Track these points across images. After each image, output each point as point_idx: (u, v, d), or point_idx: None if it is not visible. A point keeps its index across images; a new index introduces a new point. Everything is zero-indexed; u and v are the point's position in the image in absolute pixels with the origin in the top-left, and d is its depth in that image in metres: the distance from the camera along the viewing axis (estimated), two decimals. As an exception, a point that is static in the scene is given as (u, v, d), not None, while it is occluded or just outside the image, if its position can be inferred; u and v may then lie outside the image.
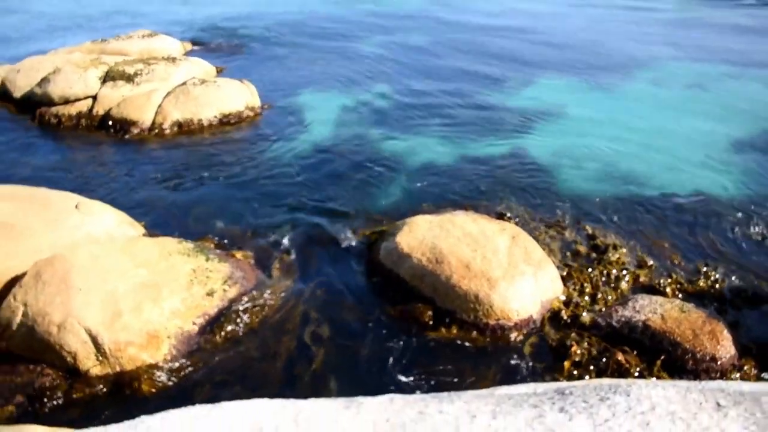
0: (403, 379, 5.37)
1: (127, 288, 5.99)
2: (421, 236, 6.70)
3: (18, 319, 5.72)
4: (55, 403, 5.20)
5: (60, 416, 5.02)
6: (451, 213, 7.41)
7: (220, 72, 14.53)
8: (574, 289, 6.40)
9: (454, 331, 5.93)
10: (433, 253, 6.43)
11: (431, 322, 6.04)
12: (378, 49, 16.66)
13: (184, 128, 11.26)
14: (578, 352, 5.56)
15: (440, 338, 5.87)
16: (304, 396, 2.67)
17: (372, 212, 8.10)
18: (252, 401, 2.73)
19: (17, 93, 12.75)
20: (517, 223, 7.42)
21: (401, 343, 5.80)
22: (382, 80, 13.76)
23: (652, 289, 6.43)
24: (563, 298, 6.30)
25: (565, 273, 6.63)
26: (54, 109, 12.09)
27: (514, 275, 6.13)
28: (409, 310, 6.18)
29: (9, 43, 19.30)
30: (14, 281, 6.17)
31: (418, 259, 6.46)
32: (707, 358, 5.36)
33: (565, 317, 6.04)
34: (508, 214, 7.78)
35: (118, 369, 5.51)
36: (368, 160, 9.62)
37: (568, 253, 7.04)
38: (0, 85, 13.13)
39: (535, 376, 5.41)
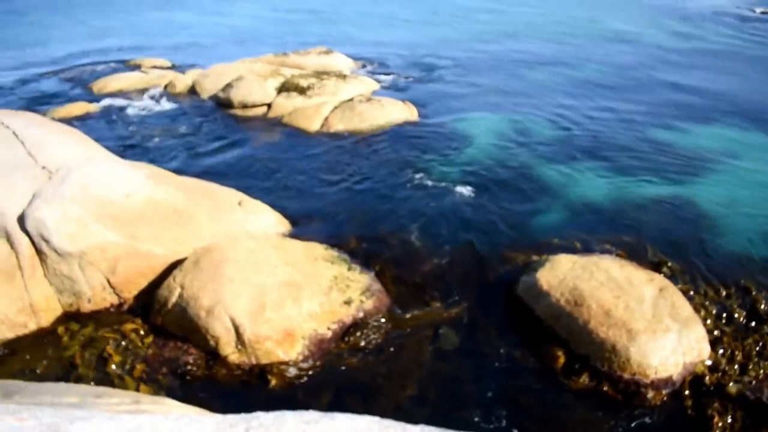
0: (520, 421, 5.22)
1: (273, 284, 6.36)
2: (563, 275, 6.50)
3: (174, 299, 6.26)
4: (192, 380, 5.62)
5: (194, 393, 5.42)
6: (597, 255, 7.12)
7: (382, 89, 15.03)
8: (723, 355, 5.89)
9: (585, 379, 5.69)
10: (573, 295, 6.22)
11: (562, 366, 5.82)
12: (544, 78, 16.42)
13: (345, 137, 11.79)
14: (720, 424, 5.12)
15: (569, 384, 5.66)
16: (415, 421, 2.68)
17: (517, 240, 7.94)
18: (362, 417, 2.79)
19: (204, 95, 14.01)
20: (668, 275, 6.96)
21: (527, 383, 5.66)
22: (545, 110, 13.52)
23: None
24: (709, 362, 5.82)
25: (714, 336, 6.12)
26: (232, 113, 13.15)
27: (656, 330, 5.77)
28: (541, 350, 6.01)
29: (203, 50, 21.25)
30: (177, 264, 6.76)
31: (557, 299, 6.28)
32: None
33: (708, 383, 5.58)
34: (659, 264, 7.30)
35: (253, 360, 5.84)
36: (519, 186, 9.46)
37: (722, 316, 6.49)
38: (190, 87, 14.49)
39: (666, 441, 5.05)
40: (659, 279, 6.49)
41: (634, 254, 7.52)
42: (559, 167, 10.20)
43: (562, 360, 5.89)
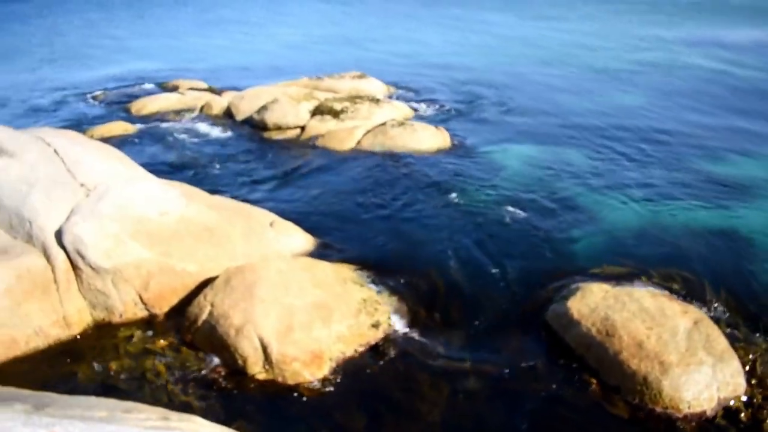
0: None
1: (302, 305, 6.38)
2: (594, 305, 6.41)
3: (204, 316, 6.32)
4: (219, 398, 5.63)
5: (220, 411, 5.43)
6: (630, 285, 7.00)
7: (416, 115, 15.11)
8: (760, 392, 5.71)
9: (616, 410, 5.56)
10: (604, 325, 6.12)
11: (592, 396, 5.71)
12: (583, 105, 16.34)
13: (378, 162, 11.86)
14: (756, 462, 4.96)
15: (599, 414, 5.53)
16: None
17: (548, 266, 7.85)
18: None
19: (239, 117, 14.25)
20: (704, 308, 6.79)
21: (557, 411, 5.56)
22: (583, 138, 13.41)
23: None
24: (745, 398, 5.65)
25: (750, 370, 5.93)
26: (266, 135, 13.34)
27: (690, 363, 5.64)
28: (571, 379, 5.91)
29: (239, 72, 21.66)
30: (208, 282, 6.84)
31: (587, 328, 6.19)
32: None
33: (744, 420, 5.42)
34: (695, 295, 7.13)
35: (280, 380, 5.85)
36: (553, 213, 9.36)
37: (760, 351, 6.30)
38: (226, 109, 14.75)
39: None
40: (694, 311, 6.35)
41: (669, 285, 7.39)
42: (595, 195, 10.11)
43: (592, 389, 5.78)
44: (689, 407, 5.44)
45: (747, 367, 5.95)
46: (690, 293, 7.18)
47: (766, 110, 15.99)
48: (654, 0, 46.37)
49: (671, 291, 7.13)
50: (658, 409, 5.45)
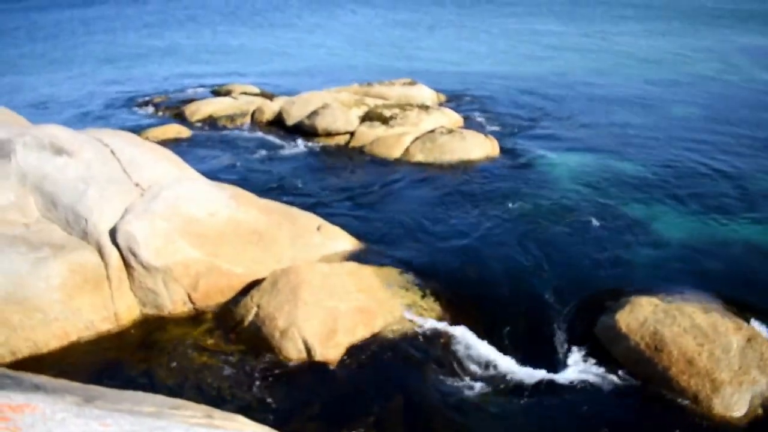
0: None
1: (346, 309, 6.39)
2: (643, 318, 6.24)
3: (250, 317, 6.39)
4: (263, 398, 5.66)
5: (264, 411, 5.45)
6: (681, 300, 6.77)
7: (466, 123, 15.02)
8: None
9: (664, 428, 5.38)
10: (653, 340, 5.96)
11: (638, 412, 5.55)
12: (637, 116, 15.99)
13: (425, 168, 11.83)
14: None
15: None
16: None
17: (598, 279, 7.67)
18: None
19: (290, 121, 14.39)
20: (762, 326, 6.52)
21: (598, 426, 5.41)
22: (636, 149, 13.10)
23: None
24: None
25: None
26: (316, 140, 13.46)
27: (743, 381, 5.43)
28: (617, 394, 5.75)
29: (291, 78, 21.96)
30: (255, 283, 6.91)
31: (636, 343, 6.03)
32: None
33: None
34: (750, 313, 6.85)
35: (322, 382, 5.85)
36: (604, 225, 9.13)
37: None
38: (277, 113, 14.94)
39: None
40: (747, 328, 6.14)
41: (723, 301, 7.12)
42: (649, 208, 9.85)
43: (639, 405, 5.62)
44: (741, 427, 5.24)
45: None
46: (744, 310, 6.92)
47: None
48: (715, 10, 45.28)
49: (725, 307, 6.89)
50: (708, 428, 5.26)
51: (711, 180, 11.22)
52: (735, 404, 5.33)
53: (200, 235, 7.14)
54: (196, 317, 6.86)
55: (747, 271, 7.95)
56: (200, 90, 19.25)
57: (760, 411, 5.35)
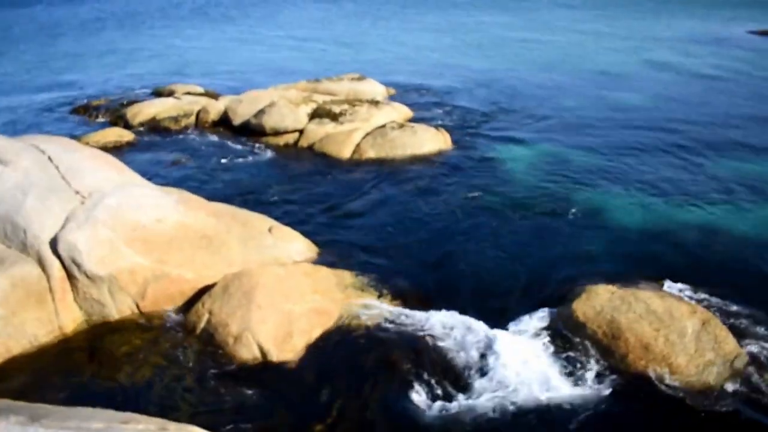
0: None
1: (302, 311, 6.28)
2: (600, 307, 6.30)
3: (202, 324, 6.21)
4: (218, 407, 5.49)
5: (219, 420, 5.29)
6: (635, 286, 6.87)
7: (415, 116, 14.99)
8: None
9: (623, 412, 5.43)
10: (610, 328, 6.02)
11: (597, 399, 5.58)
12: (580, 106, 16.25)
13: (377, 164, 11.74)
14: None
15: (607, 415, 5.42)
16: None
17: (553, 269, 7.72)
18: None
19: (236, 121, 14.12)
20: (712, 308, 6.66)
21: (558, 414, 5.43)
22: (583, 138, 13.30)
23: None
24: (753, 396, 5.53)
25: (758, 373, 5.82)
26: (264, 139, 13.24)
27: (699, 364, 5.54)
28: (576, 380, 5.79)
29: (236, 76, 21.59)
30: (206, 289, 6.72)
31: (593, 331, 6.09)
32: None
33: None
34: (704, 295, 7.00)
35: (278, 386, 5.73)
36: (557, 215, 9.26)
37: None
38: (223, 113, 14.64)
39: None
40: (702, 311, 6.25)
41: (677, 284, 7.26)
42: (599, 196, 10.01)
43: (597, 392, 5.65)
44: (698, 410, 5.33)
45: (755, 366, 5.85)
46: (697, 292, 7.07)
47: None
48: (650, -1, 46.34)
49: (679, 290, 7.03)
50: (668, 412, 5.33)
51: (662, 166, 11.48)
52: (692, 387, 5.41)
53: (147, 241, 6.91)
54: (145, 326, 6.63)
55: (699, 253, 8.15)
56: (142, 91, 18.73)
57: (716, 392, 5.45)
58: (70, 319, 6.49)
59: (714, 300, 6.95)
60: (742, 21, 34.63)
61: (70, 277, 6.51)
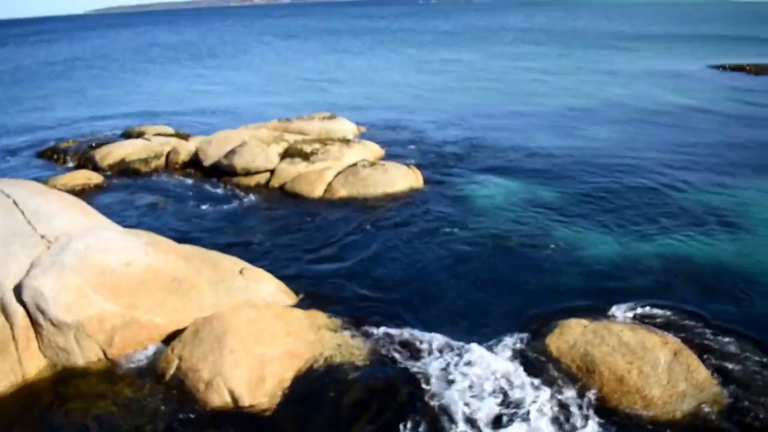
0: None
1: (274, 354, 6.15)
2: (573, 341, 6.31)
3: (172, 371, 6.05)
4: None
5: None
6: (607, 319, 6.90)
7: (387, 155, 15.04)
8: (743, 417, 5.58)
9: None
10: (584, 361, 6.01)
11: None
12: (552, 140, 16.47)
13: (349, 203, 11.71)
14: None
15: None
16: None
17: (526, 305, 7.72)
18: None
19: (207, 162, 14.03)
20: (684, 339, 6.67)
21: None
22: (555, 172, 13.47)
23: None
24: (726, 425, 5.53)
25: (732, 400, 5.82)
26: (236, 180, 13.16)
27: (672, 395, 5.55)
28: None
29: (207, 116, 21.55)
30: (176, 334, 6.56)
31: (567, 366, 6.07)
32: None
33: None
34: (674, 325, 7.01)
35: (254, 434, 5.58)
36: (529, 250, 9.30)
37: (740, 377, 6.16)
38: (193, 153, 14.54)
39: None
40: (673, 341, 6.29)
41: (647, 315, 7.29)
42: (573, 231, 10.09)
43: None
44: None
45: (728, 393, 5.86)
46: (669, 322, 7.10)
47: (741, 141, 16.34)
48: (618, 33, 47.58)
49: (650, 321, 7.05)
50: (644, 447, 5.31)
51: (629, 199, 11.63)
52: (667, 418, 5.40)
53: (115, 286, 6.76)
54: (113, 373, 6.43)
55: (669, 284, 8.23)
56: (111, 133, 18.56)
57: (690, 422, 5.44)
58: (35, 368, 6.29)
59: (686, 327, 6.99)
60: (703, 56, 35.82)
61: (35, 325, 6.33)
